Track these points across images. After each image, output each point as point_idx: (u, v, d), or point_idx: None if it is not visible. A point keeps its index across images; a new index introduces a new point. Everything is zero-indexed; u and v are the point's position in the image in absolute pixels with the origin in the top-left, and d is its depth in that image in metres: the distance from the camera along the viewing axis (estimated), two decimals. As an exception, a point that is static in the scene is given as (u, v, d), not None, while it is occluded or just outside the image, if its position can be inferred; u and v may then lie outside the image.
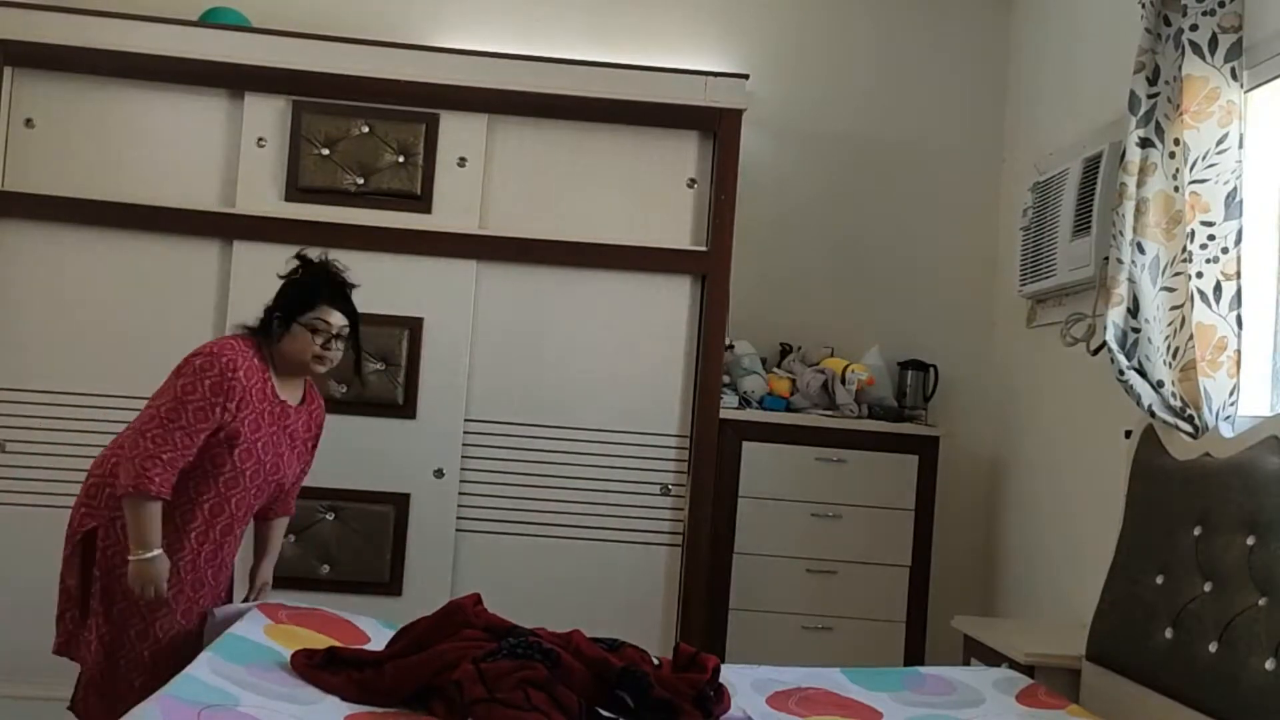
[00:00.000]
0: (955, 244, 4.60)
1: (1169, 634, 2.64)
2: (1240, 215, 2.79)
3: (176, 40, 3.83)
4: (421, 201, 3.90)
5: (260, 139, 3.88)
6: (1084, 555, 3.52)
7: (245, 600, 3.04)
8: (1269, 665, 2.30)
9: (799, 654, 3.74)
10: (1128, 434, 3.08)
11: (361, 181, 3.88)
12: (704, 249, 3.95)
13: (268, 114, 3.88)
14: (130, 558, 2.68)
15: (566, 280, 3.94)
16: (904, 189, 4.60)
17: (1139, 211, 2.94)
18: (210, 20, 4.06)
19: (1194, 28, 2.83)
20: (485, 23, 4.48)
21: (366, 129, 3.88)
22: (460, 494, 3.88)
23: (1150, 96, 2.95)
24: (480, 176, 3.93)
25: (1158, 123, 2.94)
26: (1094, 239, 3.39)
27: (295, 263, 2.99)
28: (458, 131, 3.92)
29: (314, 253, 3.01)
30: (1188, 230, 2.81)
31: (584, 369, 3.93)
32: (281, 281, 2.97)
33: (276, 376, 2.91)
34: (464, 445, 3.89)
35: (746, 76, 4.01)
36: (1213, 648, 2.47)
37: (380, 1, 4.48)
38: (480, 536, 3.89)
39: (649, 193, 3.98)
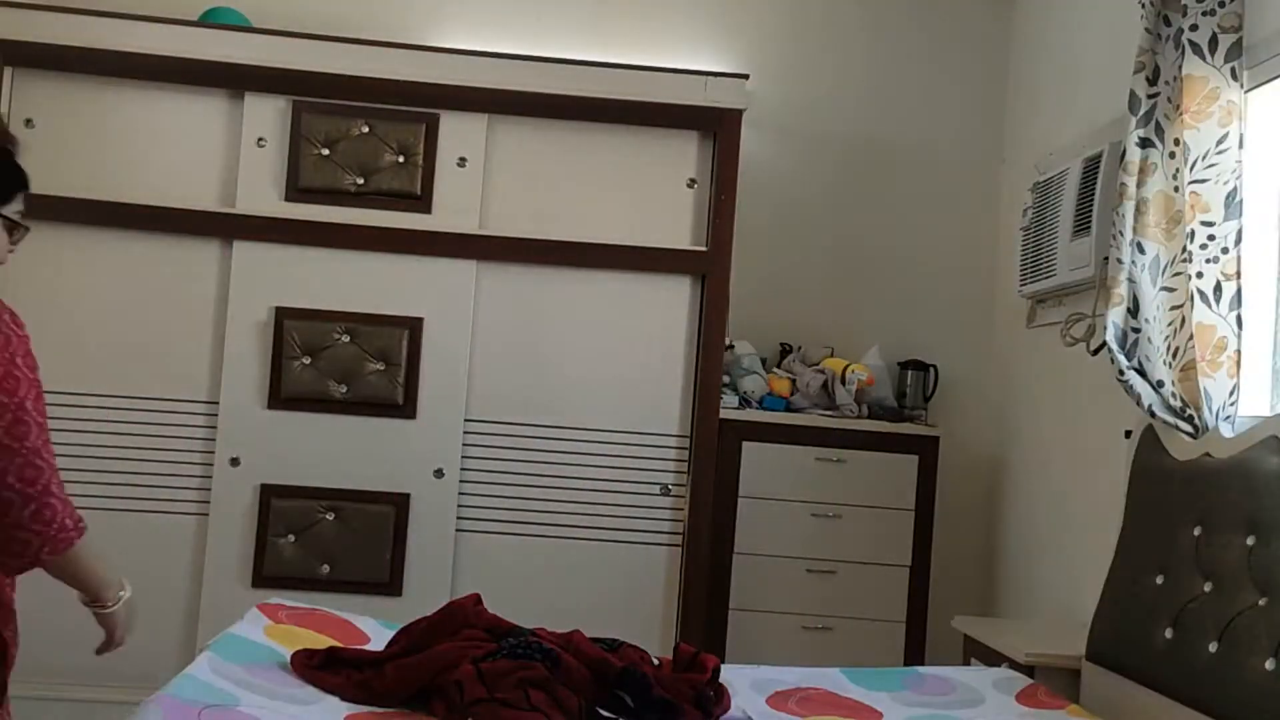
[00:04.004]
0: (955, 244, 4.60)
1: (1169, 634, 2.64)
2: (1240, 215, 2.78)
3: (176, 40, 3.83)
4: (421, 201, 3.90)
5: (260, 139, 3.88)
6: (1084, 555, 3.52)
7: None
8: (1269, 665, 2.29)
9: (799, 654, 3.73)
10: (1128, 434, 3.07)
11: (361, 181, 3.88)
12: (704, 249, 3.95)
13: (268, 114, 3.88)
14: (111, 603, 2.05)
15: (566, 280, 3.94)
16: (904, 189, 4.60)
17: (1139, 211, 2.94)
18: (210, 20, 4.06)
19: (1194, 28, 2.83)
20: (485, 23, 4.48)
21: (366, 129, 3.88)
22: (460, 494, 3.88)
23: (1150, 96, 2.95)
24: (480, 176, 3.93)
25: (1158, 123, 2.94)
26: (1094, 239, 3.39)
27: None
28: (458, 131, 3.92)
29: None
30: (1188, 230, 2.81)
31: (584, 369, 3.93)
32: None
33: None
34: (464, 445, 3.89)
35: (746, 76, 4.01)
36: (1213, 648, 2.47)
37: (380, 1, 4.48)
38: (480, 536, 3.89)
39: (649, 193, 3.98)
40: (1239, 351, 2.76)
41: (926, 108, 4.62)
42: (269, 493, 3.79)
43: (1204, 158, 2.81)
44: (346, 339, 3.84)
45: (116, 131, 3.85)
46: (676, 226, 3.99)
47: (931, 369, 4.39)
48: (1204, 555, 2.59)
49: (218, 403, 3.82)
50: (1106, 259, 3.11)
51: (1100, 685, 2.92)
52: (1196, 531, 2.64)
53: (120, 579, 2.09)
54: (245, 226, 3.84)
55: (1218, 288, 2.78)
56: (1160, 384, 2.88)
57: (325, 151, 3.87)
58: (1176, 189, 2.90)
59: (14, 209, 2.21)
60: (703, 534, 3.91)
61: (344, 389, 3.82)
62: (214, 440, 3.80)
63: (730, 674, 2.77)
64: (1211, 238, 2.78)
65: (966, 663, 3.46)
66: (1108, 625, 2.93)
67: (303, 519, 3.79)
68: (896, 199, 4.60)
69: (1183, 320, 2.86)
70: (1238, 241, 2.78)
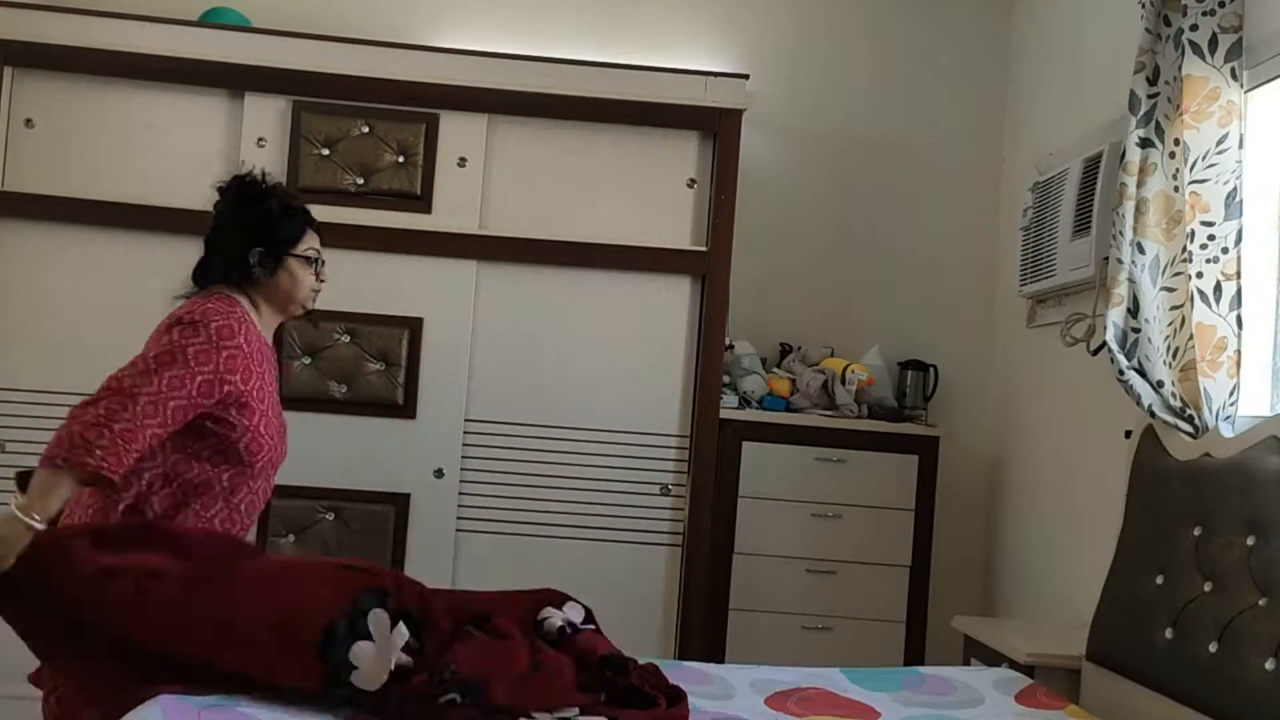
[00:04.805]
0: (955, 244, 4.60)
1: (1169, 634, 2.64)
2: (1240, 215, 2.79)
3: (176, 40, 3.83)
4: (421, 201, 3.90)
5: (260, 139, 3.88)
6: (1084, 555, 3.52)
7: None
8: (1269, 665, 2.30)
9: (799, 654, 3.74)
10: (1128, 434, 3.07)
11: (361, 181, 3.88)
12: (704, 249, 3.95)
13: (268, 114, 3.88)
14: (15, 511, 2.15)
15: (566, 280, 3.94)
16: (904, 189, 4.60)
17: (1139, 211, 2.94)
18: (210, 20, 4.06)
19: (1194, 28, 2.83)
20: (485, 23, 4.48)
21: (366, 129, 3.88)
22: (460, 494, 3.88)
23: (1150, 96, 2.95)
24: (480, 176, 3.93)
25: (1158, 123, 2.94)
26: (1094, 239, 3.39)
27: (222, 186, 2.55)
28: (458, 131, 3.92)
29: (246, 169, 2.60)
30: (1188, 230, 2.81)
31: (584, 369, 3.93)
32: (226, 212, 2.53)
33: (261, 326, 2.55)
34: (464, 445, 3.89)
35: (746, 76, 4.01)
36: (1213, 648, 2.47)
37: (380, 1, 4.48)
38: (480, 536, 3.89)
39: (649, 193, 3.98)
40: (1239, 351, 2.76)
41: (926, 108, 4.62)
42: (269, 493, 3.78)
43: (1204, 158, 2.81)
44: (346, 339, 3.84)
45: (116, 131, 3.85)
46: (676, 226, 3.99)
47: (931, 369, 4.39)
48: (1204, 555, 2.59)
49: (218, 403, 3.81)
50: (1106, 259, 3.11)
51: (1100, 685, 2.92)
52: (1196, 531, 2.64)
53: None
54: (245, 226, 3.83)
55: (1218, 288, 2.78)
56: (1160, 384, 2.88)
57: (325, 151, 3.87)
58: (1176, 189, 2.90)
59: (305, 248, 2.57)
60: (703, 534, 3.91)
61: (344, 389, 3.82)
62: (214, 440, 3.79)
63: (730, 674, 2.77)
64: (1211, 238, 2.78)
65: (966, 663, 3.46)
66: (1108, 625, 2.93)
67: (303, 519, 3.79)
68: (896, 199, 4.60)
69: (1183, 320, 2.86)
70: (1238, 241, 2.78)
